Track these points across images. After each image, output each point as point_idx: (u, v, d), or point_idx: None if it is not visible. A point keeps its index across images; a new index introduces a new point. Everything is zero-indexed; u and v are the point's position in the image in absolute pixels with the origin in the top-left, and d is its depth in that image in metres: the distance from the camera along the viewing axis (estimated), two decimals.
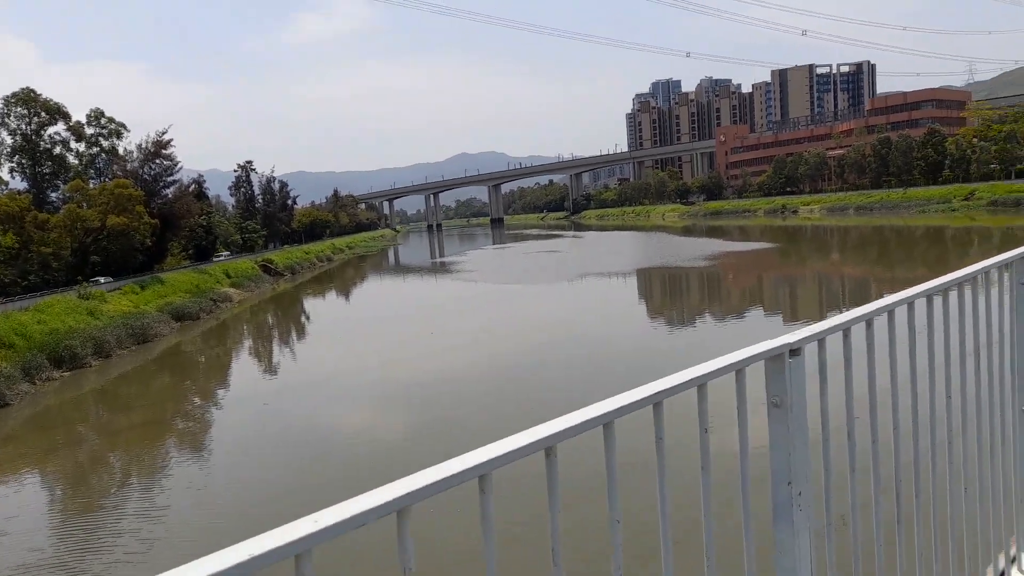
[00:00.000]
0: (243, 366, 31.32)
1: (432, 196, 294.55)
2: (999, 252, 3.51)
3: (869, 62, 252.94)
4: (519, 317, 36.27)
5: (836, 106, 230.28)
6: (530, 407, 18.41)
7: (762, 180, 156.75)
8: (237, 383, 27.65)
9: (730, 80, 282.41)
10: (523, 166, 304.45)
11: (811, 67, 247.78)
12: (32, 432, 21.82)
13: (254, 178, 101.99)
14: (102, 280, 46.02)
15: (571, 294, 44.53)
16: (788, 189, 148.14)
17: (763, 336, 2.21)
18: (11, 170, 57.06)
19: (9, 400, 23.90)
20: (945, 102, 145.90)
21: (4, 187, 59.63)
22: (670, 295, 43.22)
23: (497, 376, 23.41)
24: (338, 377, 26.03)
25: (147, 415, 23.16)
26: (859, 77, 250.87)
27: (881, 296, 2.83)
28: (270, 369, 30.15)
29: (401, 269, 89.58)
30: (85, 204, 49.10)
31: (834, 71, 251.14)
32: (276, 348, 36.05)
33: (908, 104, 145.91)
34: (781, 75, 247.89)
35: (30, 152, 55.28)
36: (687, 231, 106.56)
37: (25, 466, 18.48)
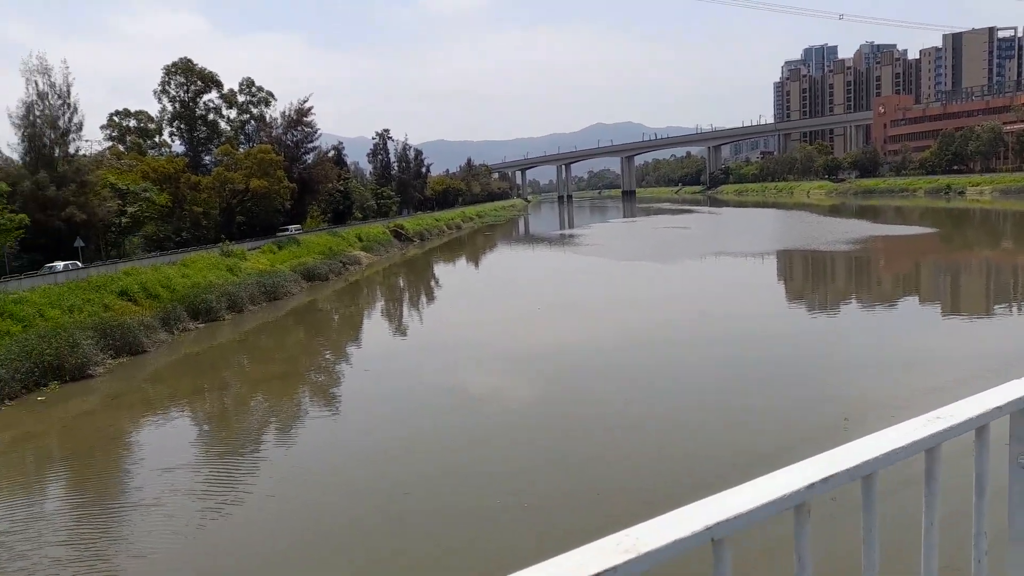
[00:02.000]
0: (360, 327, 31.97)
1: (564, 167, 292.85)
2: None
3: None
4: (631, 299, 34.66)
5: (1020, 75, 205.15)
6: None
7: (925, 156, 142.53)
8: (351, 343, 28.19)
9: (894, 45, 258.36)
10: (659, 137, 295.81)
11: (991, 30, 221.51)
12: (161, 378, 23.15)
13: (390, 146, 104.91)
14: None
15: (695, 275, 42.17)
16: (955, 168, 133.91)
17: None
18: (171, 134, 61.59)
19: (147, 348, 25.51)
20: None
21: (167, 150, 64.61)
22: (811, 277, 39.84)
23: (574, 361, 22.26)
24: (450, 343, 25.87)
25: (268, 368, 24.01)
26: None
27: None
28: (384, 333, 30.56)
29: (528, 239, 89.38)
30: (233, 168, 52.03)
31: (1019, 35, 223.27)
32: (393, 312, 36.62)
33: None
34: (955, 39, 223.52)
35: (187, 118, 59.34)
36: (834, 210, 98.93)
37: (154, 407, 19.57)
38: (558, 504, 12.03)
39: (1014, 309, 27.61)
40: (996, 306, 28.29)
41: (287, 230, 54.03)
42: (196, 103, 59.30)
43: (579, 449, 14.58)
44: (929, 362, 19.74)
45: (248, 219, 53.54)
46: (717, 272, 42.66)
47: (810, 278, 39.74)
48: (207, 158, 60.52)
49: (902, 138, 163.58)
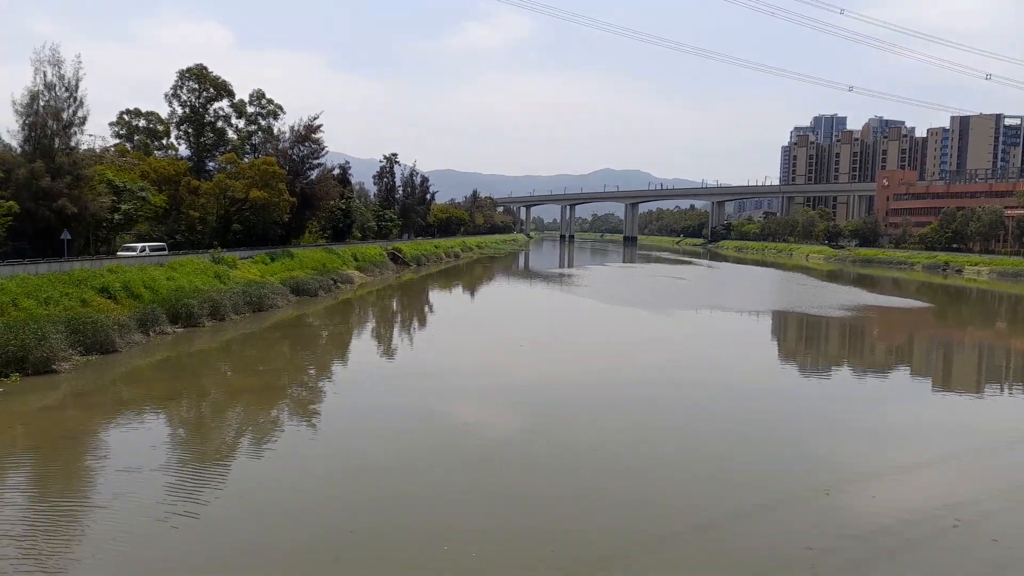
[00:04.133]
0: (341, 347, 31.39)
1: (569, 207, 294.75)
2: None
3: None
4: (619, 345, 34.23)
5: (1023, 163, 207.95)
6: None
7: (925, 232, 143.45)
8: (329, 363, 27.60)
9: (903, 122, 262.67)
10: (665, 188, 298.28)
11: (998, 117, 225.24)
12: (126, 379, 22.50)
13: (397, 170, 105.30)
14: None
15: (683, 327, 41.76)
16: (954, 246, 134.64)
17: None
18: (177, 137, 61.60)
19: (119, 347, 24.91)
20: None
21: (174, 152, 64.61)
22: (803, 340, 39.46)
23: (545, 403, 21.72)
24: (428, 371, 25.32)
25: (239, 380, 23.38)
26: None
27: None
28: (362, 355, 29.98)
29: (526, 274, 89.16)
30: (235, 176, 51.88)
31: None
32: (375, 335, 36.05)
33: None
34: (962, 122, 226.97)
35: (195, 123, 59.42)
36: (832, 276, 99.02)
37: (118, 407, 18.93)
38: (506, 553, 11.43)
39: (1002, 390, 27.20)
40: (985, 385, 27.87)
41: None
42: (206, 109, 59.45)
43: (537, 490, 14.00)
44: (912, 436, 19.27)
45: (245, 228, 53.23)
46: (708, 325, 42.24)
47: (802, 341, 39.35)
48: (211, 164, 60.47)
49: (903, 212, 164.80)
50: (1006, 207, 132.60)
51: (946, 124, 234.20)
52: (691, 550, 11.65)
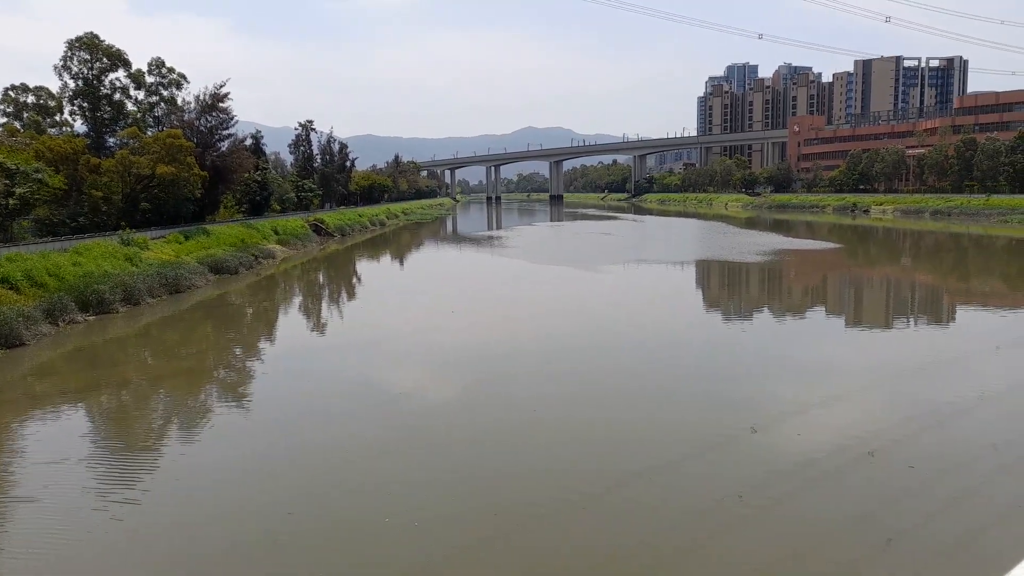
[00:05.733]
0: (267, 324, 30.55)
1: (494, 168, 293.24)
2: None
3: (961, 57, 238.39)
4: (547, 301, 34.58)
5: (922, 103, 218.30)
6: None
7: (834, 175, 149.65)
8: (255, 341, 26.85)
9: (810, 68, 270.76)
10: (588, 144, 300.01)
11: (898, 59, 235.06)
12: (39, 373, 21.31)
13: (314, 137, 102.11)
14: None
15: (614, 281, 42.50)
16: (861, 187, 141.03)
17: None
18: (71, 113, 57.75)
19: (26, 340, 23.51)
20: None
21: (69, 129, 60.60)
22: (726, 286, 40.75)
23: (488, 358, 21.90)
24: (358, 343, 24.96)
25: (161, 365, 22.47)
26: (949, 73, 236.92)
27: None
28: (290, 330, 29.28)
29: (454, 238, 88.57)
30: (139, 152, 49.13)
31: (923, 65, 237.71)
32: (302, 310, 35.24)
33: (1000, 105, 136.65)
34: (865, 66, 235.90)
35: (90, 96, 55.72)
36: (750, 223, 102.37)
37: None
38: (451, 519, 11.48)
39: (909, 322, 28.86)
40: (893, 318, 29.51)
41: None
42: (101, 81, 55.73)
43: (483, 460, 14.08)
44: (830, 371, 20.26)
45: (154, 207, 50.64)
46: (635, 279, 43.09)
47: (724, 288, 40.63)
48: (111, 140, 56.99)
49: (814, 156, 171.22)
50: (907, 147, 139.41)
51: (850, 68, 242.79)
52: (624, 503, 11.95)
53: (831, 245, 64.95)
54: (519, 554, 10.31)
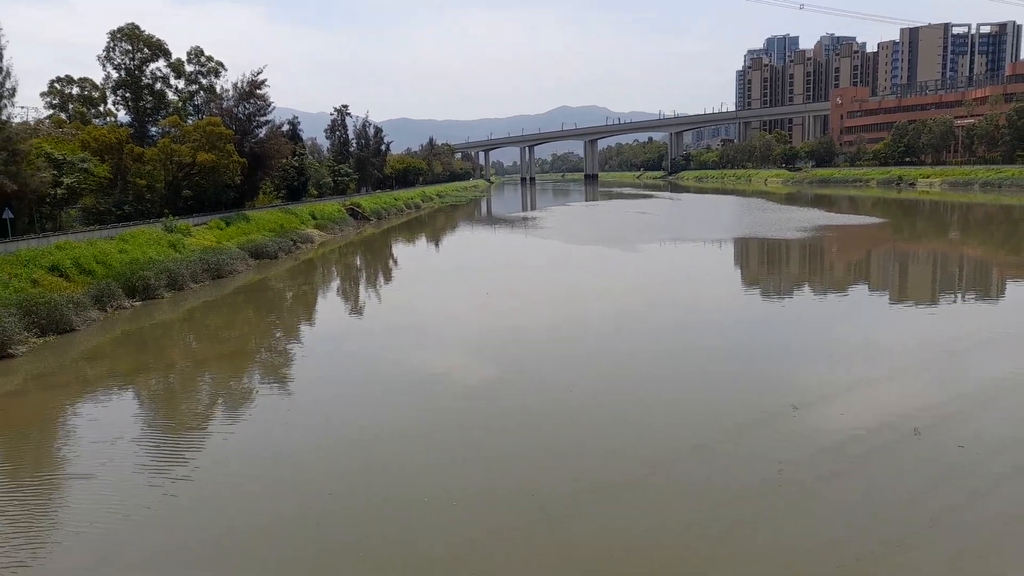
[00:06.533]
0: (306, 309, 31.03)
1: (528, 149, 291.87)
2: None
3: (1015, 23, 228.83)
4: (581, 281, 34.41)
5: (972, 71, 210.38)
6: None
7: (879, 148, 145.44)
8: (294, 325, 27.31)
9: (854, 38, 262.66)
10: (623, 122, 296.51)
11: (946, 26, 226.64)
12: (90, 357, 22.01)
13: (349, 122, 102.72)
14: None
15: (651, 261, 42.09)
16: (907, 160, 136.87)
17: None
18: (114, 103, 59.06)
19: (76, 326, 24.27)
20: None
21: (112, 119, 61.99)
22: (766, 265, 40.08)
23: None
24: (396, 327, 25.22)
25: (206, 349, 23.03)
26: (1001, 39, 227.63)
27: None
28: (328, 314, 29.70)
29: (489, 220, 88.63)
30: (180, 140, 50.05)
31: (973, 31, 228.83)
32: (340, 294, 35.69)
33: None
34: (912, 34, 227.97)
35: (133, 87, 56.87)
36: (790, 199, 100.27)
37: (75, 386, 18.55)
38: (489, 501, 11.57)
39: (957, 298, 28.04)
40: (940, 295, 28.70)
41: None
42: (142, 72, 56.82)
43: (520, 442, 14.15)
44: (874, 349, 19.81)
45: (195, 194, 51.63)
46: (670, 258, 42.62)
47: (764, 266, 39.96)
48: (153, 129, 58.20)
49: (857, 129, 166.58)
50: (956, 117, 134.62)
51: (896, 37, 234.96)
52: (666, 484, 11.92)
53: (875, 220, 63.29)
54: (560, 535, 10.33)
